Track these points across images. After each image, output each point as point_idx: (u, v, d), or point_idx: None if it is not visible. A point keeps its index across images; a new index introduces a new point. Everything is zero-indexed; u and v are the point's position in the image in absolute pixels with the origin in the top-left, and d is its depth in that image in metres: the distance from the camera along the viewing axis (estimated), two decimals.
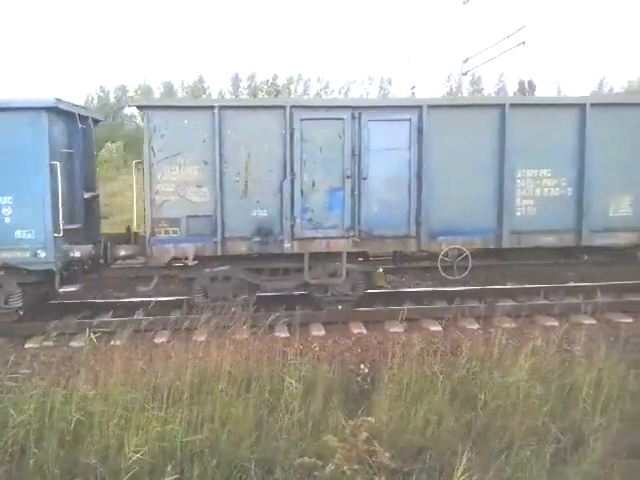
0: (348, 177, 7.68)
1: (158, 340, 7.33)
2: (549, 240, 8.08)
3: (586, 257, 8.88)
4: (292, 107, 7.58)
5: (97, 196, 8.80)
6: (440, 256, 7.93)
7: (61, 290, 7.65)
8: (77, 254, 7.65)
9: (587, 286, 9.10)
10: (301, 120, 7.57)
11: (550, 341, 6.48)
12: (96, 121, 8.97)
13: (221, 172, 7.52)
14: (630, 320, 7.90)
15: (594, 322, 7.80)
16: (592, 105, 7.96)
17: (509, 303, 8.45)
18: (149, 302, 8.04)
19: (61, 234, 7.33)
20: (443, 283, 9.09)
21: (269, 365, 6.15)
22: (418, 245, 7.94)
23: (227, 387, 5.41)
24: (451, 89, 49.60)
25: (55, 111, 7.35)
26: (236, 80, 54.63)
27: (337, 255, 7.90)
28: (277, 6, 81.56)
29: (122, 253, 7.95)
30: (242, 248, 7.70)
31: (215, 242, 7.59)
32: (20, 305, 7.62)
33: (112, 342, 7.04)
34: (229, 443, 4.75)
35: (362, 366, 6.59)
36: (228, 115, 7.52)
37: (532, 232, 8.03)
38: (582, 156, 7.96)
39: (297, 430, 5.04)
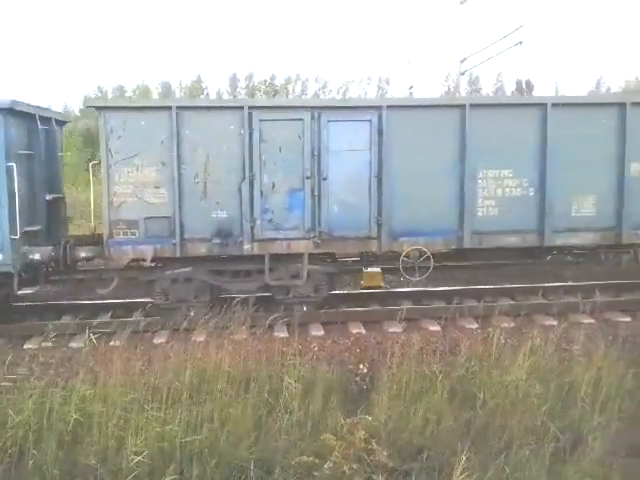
0: (308, 178, 7.64)
1: (157, 341, 7.32)
2: (511, 240, 8.04)
3: (549, 257, 8.89)
4: (250, 108, 7.55)
5: (62, 198, 8.73)
6: (402, 257, 7.91)
7: (19, 292, 7.59)
8: (37, 256, 7.55)
9: (586, 285, 9.10)
10: (260, 121, 7.53)
11: (549, 340, 6.48)
12: (61, 122, 8.90)
13: (179, 173, 7.48)
14: (629, 319, 7.91)
15: (593, 321, 7.81)
16: (553, 105, 7.92)
17: (508, 302, 8.43)
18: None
19: (18, 236, 7.24)
20: (441, 283, 9.09)
21: (268, 365, 6.16)
22: (380, 246, 7.91)
23: (226, 387, 5.42)
24: (449, 89, 49.69)
25: (11, 113, 7.26)
26: (234, 80, 54.74)
27: (299, 256, 7.85)
28: (276, 6, 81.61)
29: (82, 255, 7.86)
30: (202, 250, 7.65)
31: (174, 244, 7.55)
32: None
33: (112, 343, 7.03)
34: (228, 443, 4.75)
35: (361, 366, 6.57)
36: (186, 116, 7.49)
37: (494, 232, 7.98)
38: (544, 156, 7.92)
39: (296, 430, 5.04)
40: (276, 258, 7.85)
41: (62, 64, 75.70)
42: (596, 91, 50.65)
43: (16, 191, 7.19)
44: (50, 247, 7.71)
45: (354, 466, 4.25)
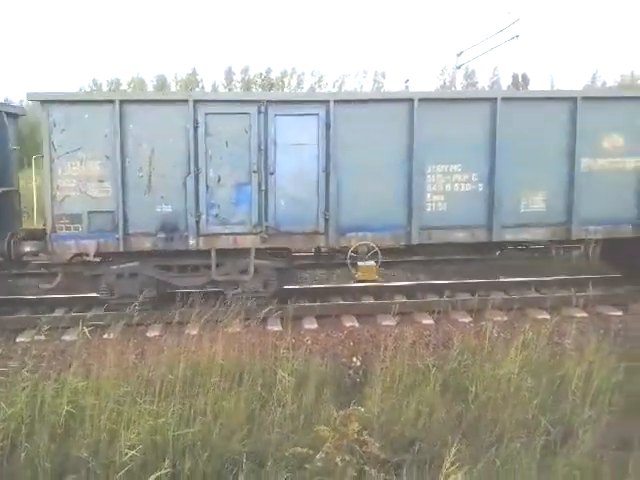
0: (255, 172, 7.56)
1: (150, 334, 7.32)
2: (460, 236, 7.99)
3: (498, 253, 8.89)
4: (196, 101, 7.46)
5: (15, 191, 8.65)
6: (349, 252, 7.88)
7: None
8: None
9: (579, 279, 9.14)
10: (206, 114, 7.44)
11: (541, 334, 6.51)
12: (13, 115, 8.80)
13: (123, 167, 7.39)
14: (620, 313, 7.96)
15: (585, 315, 7.85)
16: (503, 99, 7.85)
17: (500, 296, 8.47)
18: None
19: None
20: (436, 276, 9.11)
21: (261, 358, 6.16)
22: (327, 241, 7.86)
23: (219, 380, 5.41)
24: (445, 82, 49.62)
25: None
26: (229, 73, 54.48)
27: (247, 252, 7.79)
28: None
29: (27, 249, 7.80)
30: (146, 244, 7.56)
31: (117, 238, 7.46)
32: None
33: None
34: (221, 436, 4.75)
35: (354, 359, 6.60)
36: (130, 109, 7.39)
37: (443, 228, 7.93)
38: (493, 151, 7.85)
39: (289, 423, 5.05)
40: (223, 253, 7.78)
41: (57, 57, 75.22)
42: (591, 85, 50.65)
43: None
44: None
45: (346, 457, 4.27)
